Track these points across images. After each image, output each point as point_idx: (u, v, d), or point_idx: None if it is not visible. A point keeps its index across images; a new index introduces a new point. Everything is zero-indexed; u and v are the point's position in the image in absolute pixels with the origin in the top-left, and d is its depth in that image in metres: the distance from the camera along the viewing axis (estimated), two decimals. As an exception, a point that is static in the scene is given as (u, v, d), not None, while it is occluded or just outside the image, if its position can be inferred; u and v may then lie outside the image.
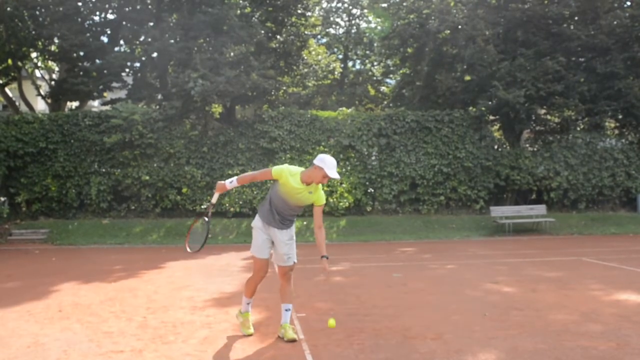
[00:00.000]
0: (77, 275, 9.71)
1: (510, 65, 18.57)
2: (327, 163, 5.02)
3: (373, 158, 18.98)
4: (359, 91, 29.17)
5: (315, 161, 5.07)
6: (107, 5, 20.58)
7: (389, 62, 26.85)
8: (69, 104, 23.83)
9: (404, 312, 6.50)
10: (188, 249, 6.09)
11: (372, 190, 18.63)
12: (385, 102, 27.75)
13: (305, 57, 23.66)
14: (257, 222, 5.41)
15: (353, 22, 31.70)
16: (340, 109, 21.56)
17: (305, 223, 17.10)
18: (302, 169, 5.27)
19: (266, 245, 5.38)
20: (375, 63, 30.68)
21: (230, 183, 5.32)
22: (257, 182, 17.95)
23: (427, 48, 21.46)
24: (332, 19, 31.34)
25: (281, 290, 5.45)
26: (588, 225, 17.65)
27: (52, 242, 15.72)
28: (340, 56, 31.68)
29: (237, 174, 17.88)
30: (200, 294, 7.82)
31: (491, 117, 20.25)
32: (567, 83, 18.50)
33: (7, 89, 22.28)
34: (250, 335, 5.47)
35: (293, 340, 5.23)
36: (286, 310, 5.40)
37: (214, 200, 5.59)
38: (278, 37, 21.24)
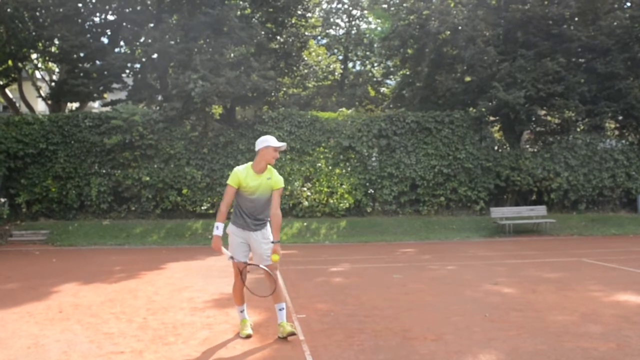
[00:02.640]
0: (77, 276, 9.71)
1: (511, 66, 18.57)
2: (268, 139, 5.25)
3: (373, 159, 18.99)
4: (359, 92, 29.17)
5: (259, 145, 5.24)
6: (107, 7, 20.60)
7: (389, 63, 26.88)
8: (69, 105, 23.86)
9: (404, 313, 6.50)
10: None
11: (372, 191, 18.64)
12: (386, 103, 27.76)
13: (306, 58, 23.67)
14: (231, 228, 5.44)
15: (353, 23, 31.73)
16: (341, 110, 21.57)
17: (305, 224, 17.11)
18: (250, 163, 5.37)
19: (242, 248, 5.38)
20: (375, 64, 30.71)
21: (217, 230, 5.26)
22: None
23: (427, 49, 21.47)
24: (332, 20, 31.38)
25: (275, 290, 5.38)
26: (588, 226, 17.64)
27: (53, 243, 15.72)
28: (341, 57, 31.69)
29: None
30: (200, 295, 7.82)
31: (491, 118, 20.27)
32: (567, 84, 18.50)
33: (7, 90, 22.32)
34: (248, 337, 5.46)
35: (292, 334, 5.26)
36: (280, 309, 5.41)
37: (226, 255, 5.41)
38: (278, 38, 21.25)
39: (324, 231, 16.82)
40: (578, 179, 18.86)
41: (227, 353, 5.00)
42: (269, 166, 5.34)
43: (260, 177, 5.27)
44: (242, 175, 5.26)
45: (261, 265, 5.34)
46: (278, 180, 5.35)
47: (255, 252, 5.39)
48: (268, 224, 5.43)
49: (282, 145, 5.30)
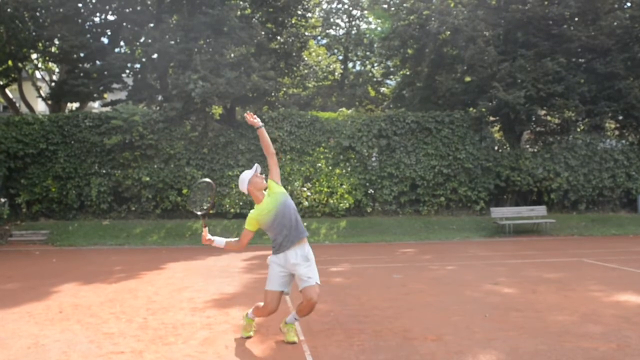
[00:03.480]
0: (77, 277, 9.71)
1: (511, 66, 18.57)
2: (244, 177, 5.25)
3: (373, 159, 18.99)
4: (359, 92, 29.19)
5: (244, 184, 5.23)
6: (107, 7, 20.60)
7: (389, 63, 26.88)
8: (69, 105, 23.87)
9: (404, 313, 6.49)
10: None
11: (372, 192, 18.63)
12: (386, 103, 27.77)
13: (306, 58, 23.66)
14: (272, 258, 5.30)
15: (353, 23, 31.76)
16: (341, 110, 21.58)
17: (305, 224, 17.09)
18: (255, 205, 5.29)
19: (280, 278, 5.22)
20: (375, 64, 30.73)
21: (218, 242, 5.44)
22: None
23: (427, 49, 21.47)
24: (332, 20, 31.40)
25: (301, 306, 5.18)
26: (588, 226, 17.64)
27: (53, 243, 15.72)
28: (341, 57, 31.72)
29: (237, 175, 18.00)
30: (200, 295, 7.82)
31: (491, 118, 20.26)
32: (567, 84, 18.50)
33: (7, 90, 22.33)
34: (249, 337, 5.45)
35: (293, 343, 5.23)
36: (296, 318, 5.31)
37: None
38: (278, 38, 21.25)
39: (324, 231, 16.82)
40: (578, 179, 18.86)
41: (227, 353, 5.00)
42: (265, 191, 5.28)
43: (268, 198, 5.23)
44: (260, 210, 5.22)
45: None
46: (274, 185, 5.30)
47: (297, 276, 5.17)
48: (307, 245, 5.30)
49: (257, 167, 5.29)
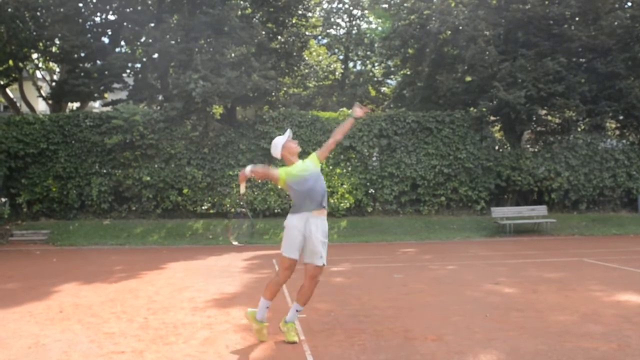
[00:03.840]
0: (77, 276, 9.72)
1: (511, 66, 18.56)
2: (285, 136, 5.31)
3: (374, 159, 18.99)
4: (360, 92, 29.18)
5: (276, 150, 5.28)
6: (108, 6, 20.60)
7: (390, 62, 26.87)
8: (69, 105, 23.87)
9: (404, 313, 6.49)
10: (235, 243, 5.86)
11: (373, 191, 18.63)
12: (386, 103, 27.77)
13: (306, 58, 23.67)
14: (291, 220, 5.22)
15: (354, 22, 31.75)
16: (341, 109, 21.58)
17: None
18: (283, 167, 5.33)
19: (299, 243, 5.13)
20: (376, 64, 30.71)
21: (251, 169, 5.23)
22: (258, 183, 17.98)
23: (427, 49, 21.46)
24: (332, 19, 31.39)
25: (302, 289, 5.24)
26: (589, 226, 17.63)
27: (53, 243, 15.73)
28: (341, 57, 31.71)
29: (237, 175, 17.97)
30: (201, 295, 7.82)
31: (492, 118, 20.26)
32: (567, 84, 18.49)
33: (8, 90, 22.33)
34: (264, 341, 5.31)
35: (293, 343, 5.22)
36: (297, 310, 5.32)
37: (242, 190, 5.48)
38: (279, 37, 21.25)
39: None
40: (579, 178, 18.84)
41: (227, 353, 4.99)
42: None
43: (305, 163, 5.32)
44: (294, 167, 5.29)
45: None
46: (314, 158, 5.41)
47: (310, 249, 5.16)
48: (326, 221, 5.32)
49: (289, 132, 5.41)
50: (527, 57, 18.66)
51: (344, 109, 22.06)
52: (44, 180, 17.79)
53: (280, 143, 5.29)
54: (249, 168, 5.24)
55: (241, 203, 5.69)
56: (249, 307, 5.65)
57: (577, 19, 19.93)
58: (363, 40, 30.91)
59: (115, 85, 21.16)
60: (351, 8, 31.19)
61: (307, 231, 5.12)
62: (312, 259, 5.12)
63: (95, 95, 21.42)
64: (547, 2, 19.39)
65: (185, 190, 17.85)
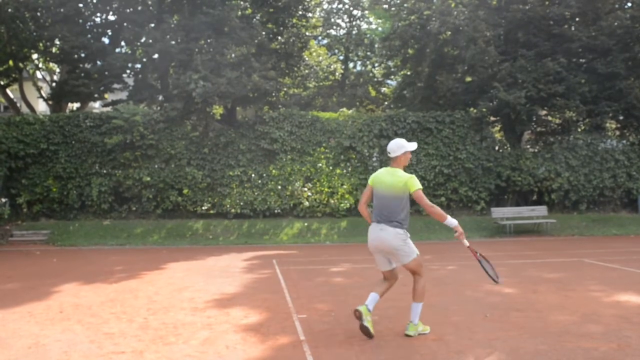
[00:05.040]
0: (78, 276, 9.72)
1: (511, 67, 18.56)
2: (404, 145, 5.48)
3: (374, 159, 18.99)
4: (360, 92, 29.19)
5: (398, 151, 5.45)
6: (108, 7, 20.61)
7: (390, 63, 26.87)
8: (70, 105, 23.87)
9: (404, 313, 6.48)
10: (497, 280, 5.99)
11: (373, 192, 18.59)
12: (386, 103, 27.78)
13: (306, 59, 23.67)
14: (408, 234, 5.68)
15: (354, 23, 31.75)
16: (341, 110, 21.58)
17: (306, 224, 17.11)
18: (390, 168, 5.55)
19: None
20: (376, 64, 30.71)
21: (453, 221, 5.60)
22: (258, 184, 17.99)
23: (428, 49, 21.46)
24: (332, 20, 31.39)
25: (388, 289, 5.85)
26: (589, 227, 17.63)
27: (53, 243, 15.73)
28: (341, 57, 31.71)
29: (237, 175, 18.01)
30: (201, 295, 7.82)
31: (492, 118, 20.25)
32: (568, 84, 18.48)
33: (8, 90, 22.33)
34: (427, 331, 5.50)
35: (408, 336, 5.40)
36: (375, 301, 5.54)
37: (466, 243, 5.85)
38: (279, 38, 21.25)
39: (324, 231, 16.82)
40: (579, 179, 18.84)
41: (227, 353, 5.00)
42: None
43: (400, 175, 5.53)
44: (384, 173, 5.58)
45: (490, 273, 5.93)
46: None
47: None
48: None
49: (413, 147, 5.60)
50: (527, 57, 18.67)
51: (344, 109, 22.08)
52: (44, 180, 17.79)
53: (406, 146, 5.48)
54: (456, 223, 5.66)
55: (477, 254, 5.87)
56: (249, 309, 5.64)
57: (577, 19, 19.94)
58: (363, 40, 30.91)
59: (116, 85, 21.16)
60: (351, 8, 31.20)
61: None
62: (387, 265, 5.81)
63: (96, 95, 21.42)
64: (547, 3, 19.39)
65: (185, 191, 17.85)
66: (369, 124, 18.92)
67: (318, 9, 27.00)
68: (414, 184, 5.37)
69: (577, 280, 8.66)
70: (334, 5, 31.29)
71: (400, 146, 5.46)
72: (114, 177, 17.85)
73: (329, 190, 18.03)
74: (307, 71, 24.29)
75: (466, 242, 5.60)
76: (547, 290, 7.78)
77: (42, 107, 28.78)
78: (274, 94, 20.44)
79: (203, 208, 17.80)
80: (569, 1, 18.52)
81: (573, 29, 19.52)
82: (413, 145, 5.55)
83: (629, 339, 5.21)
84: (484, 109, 18.73)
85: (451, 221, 5.47)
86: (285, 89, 23.56)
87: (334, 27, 31.91)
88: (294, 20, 21.77)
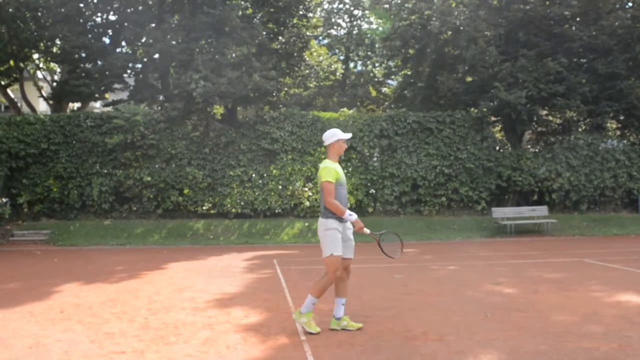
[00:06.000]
0: (78, 276, 9.72)
1: (512, 66, 18.56)
2: (337, 134, 5.59)
3: (374, 159, 18.99)
4: (361, 92, 29.16)
5: (331, 139, 5.57)
6: (108, 7, 20.61)
7: (391, 63, 26.87)
8: (70, 105, 23.87)
9: (405, 313, 6.49)
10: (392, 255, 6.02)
11: (374, 192, 18.63)
12: (387, 103, 27.76)
13: (307, 58, 23.65)
14: (332, 223, 5.46)
15: (354, 23, 31.71)
16: (342, 110, 21.56)
17: (306, 224, 17.10)
18: (326, 160, 5.59)
19: (342, 243, 5.52)
20: (376, 64, 30.69)
21: (352, 215, 5.52)
22: (259, 183, 18.00)
23: (428, 49, 21.46)
24: (333, 20, 31.36)
25: (343, 283, 5.66)
26: (590, 227, 17.62)
27: (54, 243, 15.73)
28: (342, 57, 31.68)
29: (238, 175, 18.02)
30: (201, 295, 7.82)
31: (493, 118, 20.24)
32: (568, 84, 18.48)
33: (9, 90, 22.33)
34: (318, 332, 5.51)
35: (360, 329, 5.55)
36: (342, 304, 5.67)
37: (374, 235, 5.83)
38: (280, 38, 21.25)
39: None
40: (579, 179, 18.83)
41: (228, 353, 5.00)
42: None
43: (339, 167, 5.60)
44: (333, 166, 5.50)
45: (392, 256, 5.98)
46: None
47: (347, 245, 5.58)
48: None
49: (348, 136, 5.74)
50: (528, 57, 18.66)
51: (345, 109, 22.06)
52: (45, 180, 17.80)
53: (339, 135, 5.59)
54: (355, 218, 5.52)
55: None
56: (249, 309, 5.65)
57: (577, 19, 19.93)
58: (364, 40, 30.88)
59: (116, 85, 21.16)
60: (352, 8, 31.17)
61: (345, 232, 5.56)
62: (350, 254, 5.63)
63: (96, 95, 21.41)
64: (547, 3, 19.39)
65: (186, 191, 17.85)
66: (369, 124, 18.91)
67: (319, 9, 26.97)
68: (323, 175, 5.43)
69: (578, 281, 8.66)
70: (335, 5, 31.27)
71: (332, 134, 5.60)
72: (115, 177, 17.85)
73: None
74: (307, 71, 24.28)
75: (367, 231, 5.62)
76: (547, 290, 7.77)
77: (42, 107, 28.79)
78: (274, 94, 20.46)
79: (204, 208, 17.80)
80: (570, 1, 18.51)
81: (574, 28, 19.52)
82: (347, 135, 5.68)
83: (630, 339, 5.20)
84: (485, 109, 18.73)
85: (349, 216, 5.45)
86: (285, 89, 23.57)
87: (335, 27, 31.89)
88: (295, 20, 21.77)
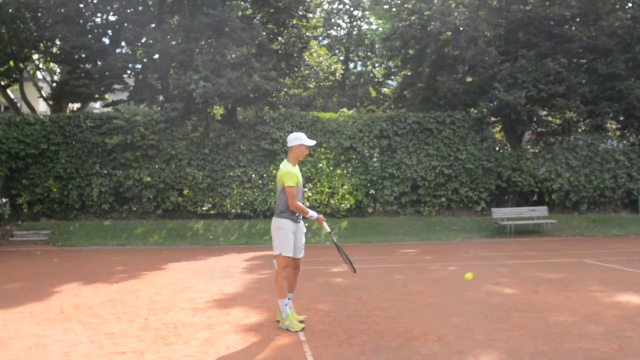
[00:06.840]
0: (78, 277, 9.72)
1: (512, 67, 18.57)
2: (301, 138, 5.77)
3: (374, 159, 18.99)
4: (360, 93, 29.17)
5: (294, 142, 5.77)
6: (108, 7, 20.60)
7: (391, 63, 26.89)
8: (70, 105, 23.87)
9: (405, 313, 6.50)
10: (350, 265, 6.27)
11: (374, 192, 18.63)
12: (387, 104, 27.75)
13: (307, 59, 23.67)
14: (285, 224, 5.76)
15: (354, 23, 31.73)
16: (342, 110, 21.57)
17: (306, 224, 17.09)
18: (285, 161, 5.83)
19: (294, 243, 5.80)
20: (376, 64, 30.72)
21: (314, 213, 5.87)
22: (259, 184, 18.00)
23: (428, 50, 21.47)
24: (333, 20, 31.38)
25: (292, 280, 5.95)
26: (589, 227, 17.63)
27: (54, 243, 15.73)
28: (342, 58, 31.70)
29: (238, 176, 18.03)
30: (201, 295, 7.82)
31: (492, 119, 20.26)
32: (568, 84, 18.49)
33: (8, 91, 22.32)
34: (303, 329, 5.66)
35: (302, 329, 5.64)
36: (289, 299, 5.86)
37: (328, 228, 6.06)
38: (279, 38, 21.25)
39: (325, 232, 16.79)
40: (579, 179, 18.83)
41: (228, 353, 5.00)
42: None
43: (297, 169, 5.85)
44: (292, 169, 5.73)
45: (349, 265, 6.17)
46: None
47: (298, 245, 5.85)
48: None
49: (312, 143, 5.91)
50: (528, 57, 18.67)
51: (345, 109, 22.08)
52: (45, 180, 17.80)
53: (303, 139, 5.77)
54: (317, 215, 5.87)
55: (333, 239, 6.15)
56: (249, 309, 5.70)
57: (577, 19, 19.94)
58: (363, 41, 30.90)
59: (116, 86, 21.15)
60: (352, 9, 31.20)
61: (298, 234, 5.87)
62: (300, 253, 5.92)
63: (96, 96, 21.39)
64: (547, 3, 19.39)
65: (185, 191, 17.85)
66: (369, 125, 18.92)
67: (318, 10, 26.99)
68: (286, 180, 5.68)
69: (578, 281, 8.66)
70: (335, 6, 31.29)
71: (297, 138, 5.80)
72: (115, 178, 17.85)
73: (329, 191, 18.03)
74: (307, 71, 24.30)
75: (327, 228, 5.92)
76: (547, 291, 7.78)
77: (42, 107, 28.78)
78: (274, 95, 20.45)
79: (203, 208, 17.80)
80: (570, 1, 18.51)
81: (574, 29, 19.52)
82: (311, 142, 5.87)
83: (630, 340, 5.21)
84: (485, 110, 18.74)
85: (312, 214, 5.78)
86: (285, 90, 23.57)
87: (335, 28, 31.91)
88: (295, 21, 21.78)
